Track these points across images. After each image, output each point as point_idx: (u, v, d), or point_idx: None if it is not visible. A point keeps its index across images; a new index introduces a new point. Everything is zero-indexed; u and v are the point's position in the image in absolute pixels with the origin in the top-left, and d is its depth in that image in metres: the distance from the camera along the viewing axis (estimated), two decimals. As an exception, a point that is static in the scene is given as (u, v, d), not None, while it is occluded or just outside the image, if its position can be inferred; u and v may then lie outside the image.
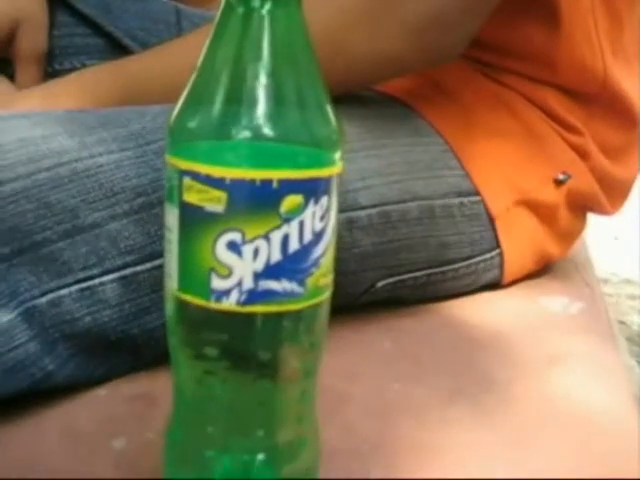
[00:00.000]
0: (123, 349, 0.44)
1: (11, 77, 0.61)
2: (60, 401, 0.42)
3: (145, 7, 0.69)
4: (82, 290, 0.41)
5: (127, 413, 0.41)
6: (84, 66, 0.63)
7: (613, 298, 1.59)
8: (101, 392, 0.43)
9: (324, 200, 0.29)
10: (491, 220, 0.56)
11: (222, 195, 0.28)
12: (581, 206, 0.62)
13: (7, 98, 0.55)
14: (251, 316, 0.29)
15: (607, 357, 0.52)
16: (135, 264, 0.42)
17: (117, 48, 0.66)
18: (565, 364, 0.50)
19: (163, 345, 0.34)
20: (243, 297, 0.29)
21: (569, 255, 0.67)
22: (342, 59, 0.48)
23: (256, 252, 0.28)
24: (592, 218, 0.67)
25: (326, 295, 0.31)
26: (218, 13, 0.29)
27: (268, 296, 0.29)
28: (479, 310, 0.57)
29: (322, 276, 0.30)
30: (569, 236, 0.64)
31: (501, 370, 0.48)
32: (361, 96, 0.56)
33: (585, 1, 0.56)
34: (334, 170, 0.30)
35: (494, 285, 0.60)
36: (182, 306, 0.30)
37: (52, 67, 0.64)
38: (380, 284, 0.53)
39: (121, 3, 0.67)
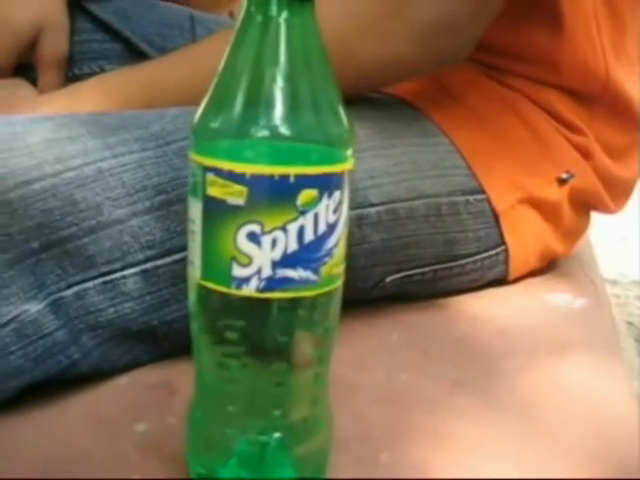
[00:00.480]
0: (144, 340, 0.45)
1: (33, 81, 0.63)
2: (83, 389, 0.43)
3: (161, 13, 0.71)
4: (105, 283, 0.43)
5: (148, 400, 0.43)
6: (103, 70, 0.65)
7: (621, 299, 1.58)
8: (123, 380, 0.45)
9: (337, 194, 0.31)
10: (496, 217, 0.57)
11: (243, 189, 0.30)
12: (584, 204, 0.63)
13: (30, 102, 0.57)
14: (269, 302, 0.31)
15: (610, 354, 0.53)
16: (155, 258, 0.44)
17: (134, 53, 0.68)
18: (568, 358, 0.51)
19: (182, 336, 0.35)
20: (262, 284, 0.31)
21: (574, 253, 0.68)
22: (353, 64, 0.50)
23: (274, 242, 0.30)
24: (599, 219, 0.67)
25: (338, 283, 0.33)
26: (238, 21, 0.31)
27: (285, 283, 0.31)
28: (485, 305, 0.58)
29: (335, 265, 0.32)
30: (573, 234, 0.64)
31: (506, 362, 0.49)
32: (371, 98, 0.58)
33: (587, 4, 0.57)
34: (346, 166, 0.32)
35: (500, 281, 0.61)
36: (204, 293, 0.32)
37: (72, 72, 0.65)
38: (389, 279, 0.55)
39: (138, 10, 0.69)
